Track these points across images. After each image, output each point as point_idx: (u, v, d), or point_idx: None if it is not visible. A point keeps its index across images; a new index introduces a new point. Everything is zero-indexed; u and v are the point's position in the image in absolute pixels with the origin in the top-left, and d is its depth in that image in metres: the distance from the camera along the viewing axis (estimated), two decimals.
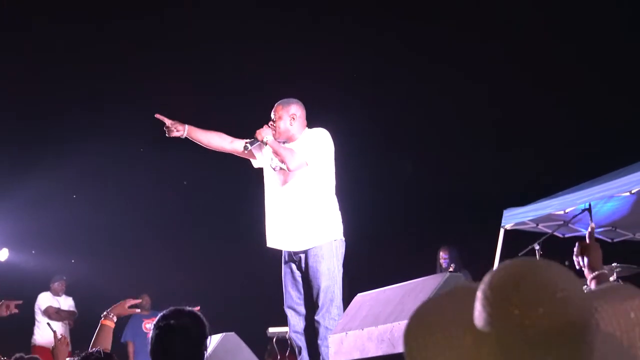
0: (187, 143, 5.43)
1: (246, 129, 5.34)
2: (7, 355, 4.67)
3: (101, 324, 3.83)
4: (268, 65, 11.31)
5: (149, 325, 2.76)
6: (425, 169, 12.37)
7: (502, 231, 8.50)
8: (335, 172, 5.19)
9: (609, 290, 1.28)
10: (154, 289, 10.40)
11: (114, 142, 11.25)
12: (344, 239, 5.07)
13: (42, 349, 9.07)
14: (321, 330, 4.82)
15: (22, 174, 10.99)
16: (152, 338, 2.70)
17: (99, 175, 11.87)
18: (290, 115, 5.12)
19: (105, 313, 3.87)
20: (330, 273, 4.92)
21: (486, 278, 1.16)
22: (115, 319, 3.88)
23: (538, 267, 1.12)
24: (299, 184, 5.03)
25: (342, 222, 5.13)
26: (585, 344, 1.09)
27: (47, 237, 11.50)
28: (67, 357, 4.36)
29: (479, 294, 1.14)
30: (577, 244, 2.26)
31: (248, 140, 5.16)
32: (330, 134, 5.24)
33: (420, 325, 1.22)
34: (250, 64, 11.32)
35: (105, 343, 3.72)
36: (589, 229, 2.27)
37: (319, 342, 4.84)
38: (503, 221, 8.50)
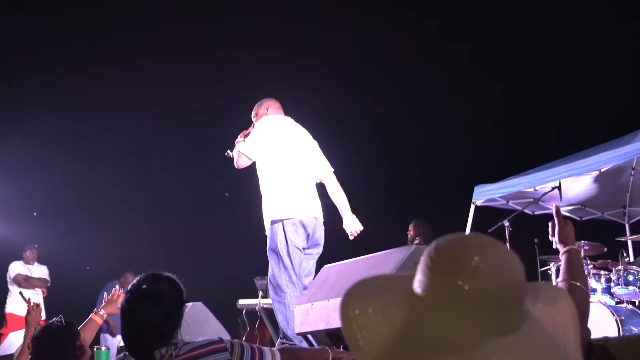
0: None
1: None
2: None
3: (91, 318, 3.90)
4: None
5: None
6: (399, 146, 12.41)
7: (472, 207, 8.56)
8: (293, 153, 5.20)
9: (543, 290, 1.31)
10: (136, 261, 10.39)
11: (89, 114, 11.17)
12: (289, 219, 5.00)
13: (13, 316, 9.17)
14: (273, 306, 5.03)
15: None
16: (122, 301, 2.64)
17: (72, 146, 11.78)
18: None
19: (96, 309, 3.93)
20: (271, 254, 5.01)
21: (430, 247, 1.20)
22: (105, 317, 3.93)
23: (484, 243, 1.17)
24: (260, 174, 5.21)
25: (303, 200, 5.11)
26: (511, 317, 1.15)
27: (19, 206, 11.43)
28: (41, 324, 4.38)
29: (422, 262, 1.18)
30: (550, 224, 2.32)
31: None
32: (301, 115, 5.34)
33: (357, 296, 1.24)
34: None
35: (87, 335, 3.75)
36: (554, 209, 2.31)
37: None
38: (474, 197, 8.55)
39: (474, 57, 11.64)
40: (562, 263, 2.22)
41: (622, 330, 5.69)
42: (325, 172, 5.38)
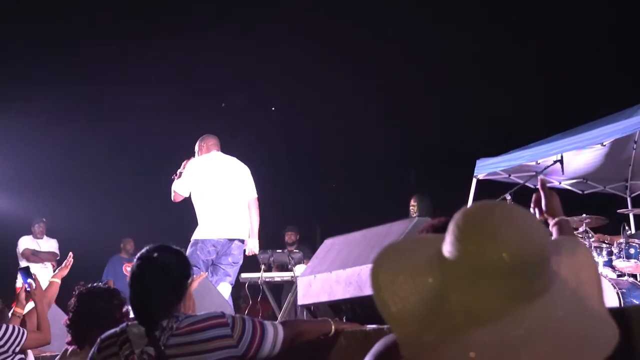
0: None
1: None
2: None
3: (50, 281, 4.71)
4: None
5: (129, 268, 2.74)
6: (401, 119, 12.38)
7: (474, 181, 8.56)
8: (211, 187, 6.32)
9: (562, 244, 1.33)
10: (138, 233, 10.42)
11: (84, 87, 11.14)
12: (197, 240, 6.25)
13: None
14: None
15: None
16: (132, 267, 2.69)
17: (77, 117, 11.77)
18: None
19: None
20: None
21: (459, 213, 1.23)
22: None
23: (510, 210, 1.21)
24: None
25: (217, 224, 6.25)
26: (540, 281, 1.17)
27: (28, 180, 11.45)
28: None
29: (452, 226, 1.21)
30: (533, 197, 2.30)
31: None
32: None
33: (386, 262, 1.27)
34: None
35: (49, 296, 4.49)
36: (539, 182, 2.29)
37: None
38: (476, 171, 8.55)
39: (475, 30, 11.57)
40: (553, 234, 2.21)
41: (623, 303, 5.72)
42: (248, 197, 6.51)
